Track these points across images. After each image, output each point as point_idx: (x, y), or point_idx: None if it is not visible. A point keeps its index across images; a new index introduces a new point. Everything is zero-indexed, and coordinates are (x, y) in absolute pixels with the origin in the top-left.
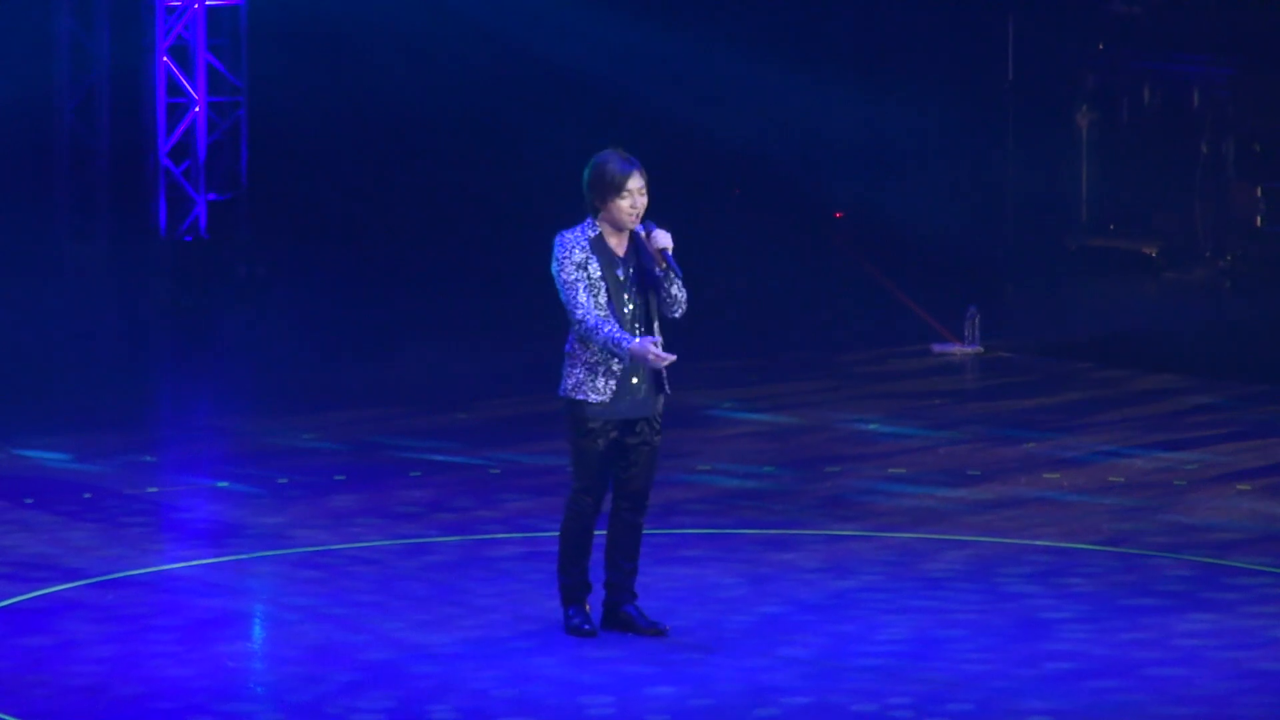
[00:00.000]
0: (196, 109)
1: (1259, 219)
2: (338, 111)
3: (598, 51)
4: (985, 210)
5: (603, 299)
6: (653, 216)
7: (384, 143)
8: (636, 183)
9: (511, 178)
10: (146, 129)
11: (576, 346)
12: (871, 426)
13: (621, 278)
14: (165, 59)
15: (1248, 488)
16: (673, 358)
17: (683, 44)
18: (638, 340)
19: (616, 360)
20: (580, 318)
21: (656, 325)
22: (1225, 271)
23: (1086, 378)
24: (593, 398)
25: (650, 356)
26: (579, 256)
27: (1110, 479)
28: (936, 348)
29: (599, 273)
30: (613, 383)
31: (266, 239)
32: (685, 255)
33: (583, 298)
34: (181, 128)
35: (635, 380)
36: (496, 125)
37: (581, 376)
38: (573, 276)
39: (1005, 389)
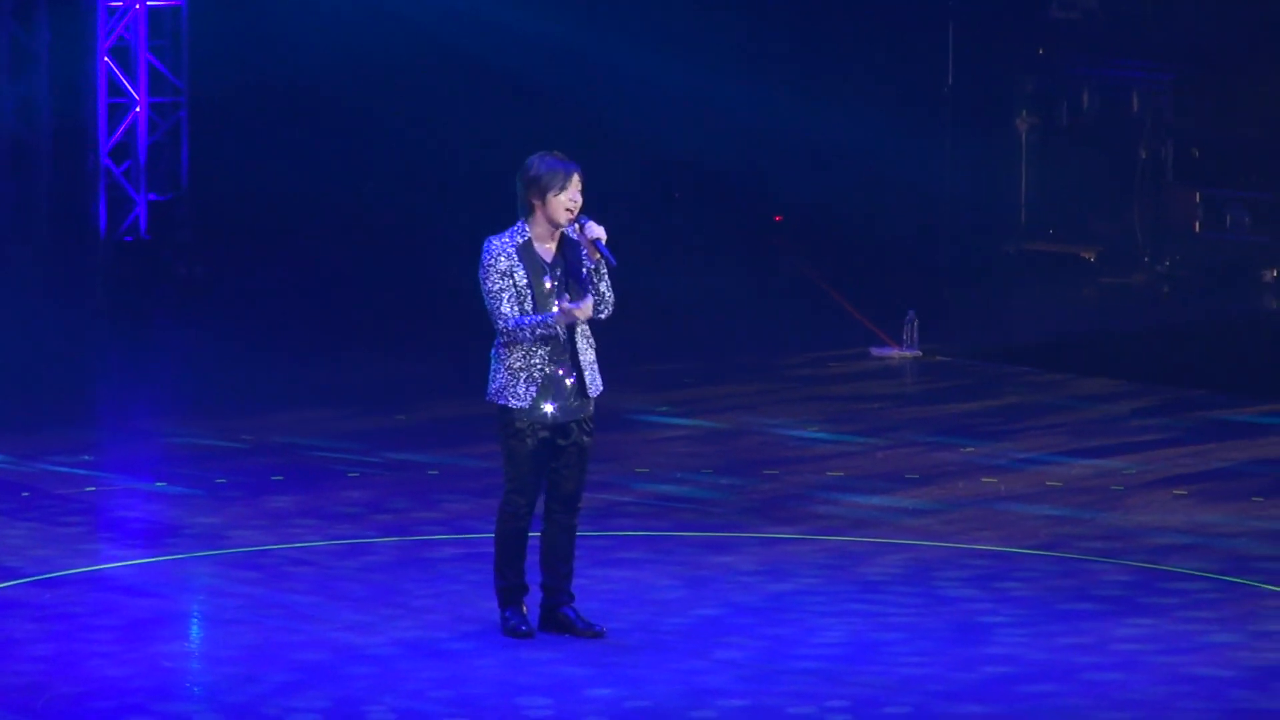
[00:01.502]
0: (137, 109)
1: (1197, 224)
2: (278, 113)
3: (539, 55)
4: (924, 214)
5: (528, 306)
6: (593, 219)
7: (325, 145)
8: (577, 182)
9: (453, 180)
10: (87, 129)
11: (501, 351)
12: (810, 430)
13: (549, 284)
14: (106, 59)
15: (1185, 493)
16: (587, 305)
17: (624, 48)
18: (557, 310)
19: (539, 367)
20: (503, 327)
21: (579, 331)
22: (1164, 276)
23: (1024, 382)
24: (513, 403)
25: (575, 313)
26: (504, 265)
27: (1048, 484)
28: (875, 351)
29: (525, 280)
30: (533, 389)
31: (207, 240)
32: (624, 259)
33: (506, 308)
34: (122, 128)
35: (557, 386)
36: (438, 127)
37: (504, 381)
38: (497, 286)
39: (943, 393)
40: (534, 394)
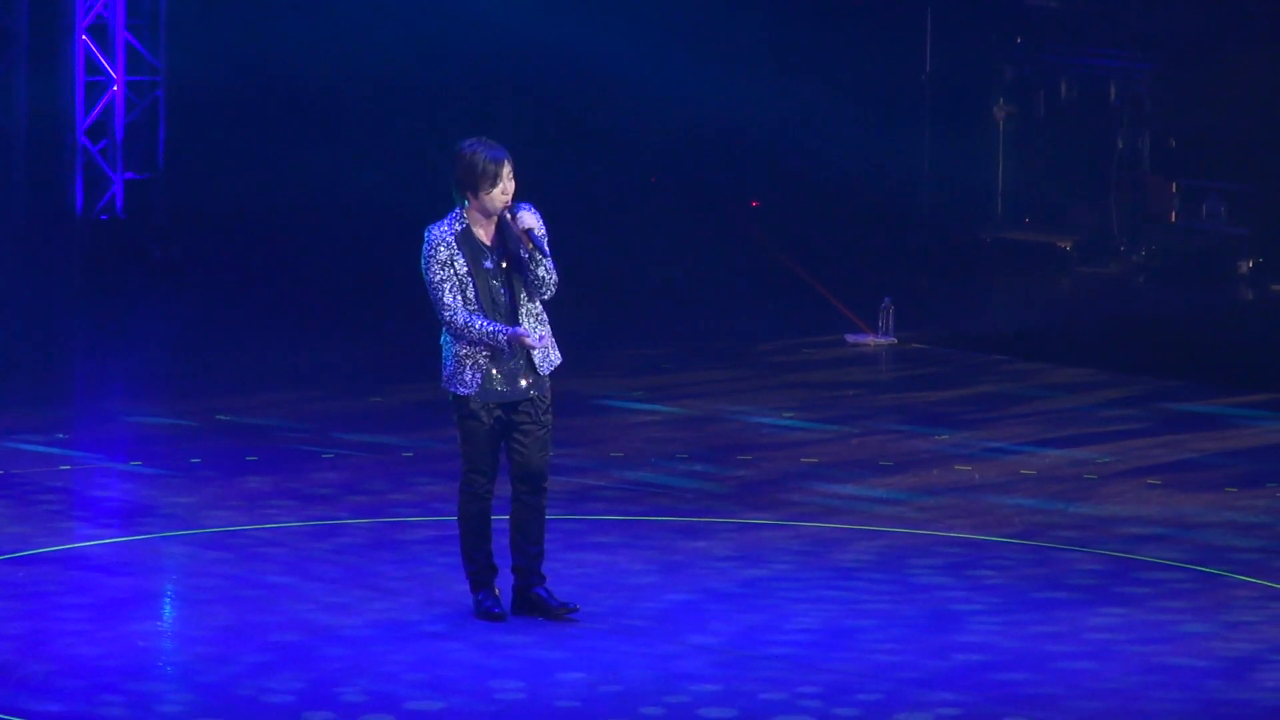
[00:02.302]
0: (115, 88)
1: (1174, 215)
2: (256, 93)
3: (521, 39)
4: (901, 201)
5: (470, 294)
6: (571, 206)
7: (302, 124)
8: (508, 169)
9: (432, 160)
10: (64, 107)
11: (448, 339)
12: (785, 417)
13: (490, 268)
14: (84, 38)
15: (1158, 483)
16: (540, 342)
17: (601, 36)
18: (512, 330)
19: (484, 353)
20: (449, 319)
21: (525, 310)
22: (1140, 266)
23: (1000, 370)
24: (460, 390)
25: (525, 343)
26: (444, 254)
27: (1022, 472)
28: (850, 338)
29: (465, 268)
30: (479, 375)
31: (183, 220)
32: (603, 244)
33: (448, 298)
34: (100, 107)
35: (502, 369)
36: (418, 107)
37: (452, 369)
38: (438, 277)
39: (919, 381)
40: (479, 380)
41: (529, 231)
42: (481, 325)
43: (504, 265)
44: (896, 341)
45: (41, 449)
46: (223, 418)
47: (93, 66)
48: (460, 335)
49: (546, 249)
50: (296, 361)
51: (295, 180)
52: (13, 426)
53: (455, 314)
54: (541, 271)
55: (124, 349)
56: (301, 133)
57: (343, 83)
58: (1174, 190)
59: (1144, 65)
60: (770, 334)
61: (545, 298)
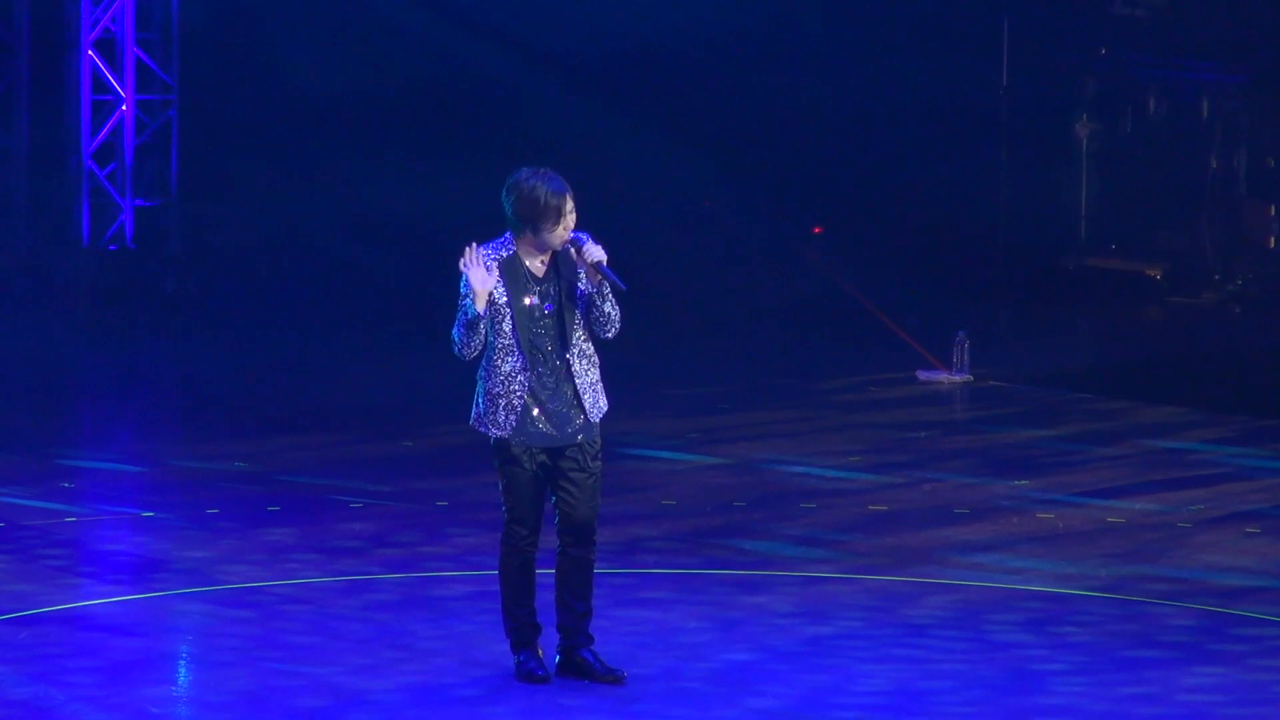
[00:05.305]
0: (124, 108)
1: (1272, 239)
2: (275, 113)
3: (557, 58)
4: (976, 227)
5: (507, 326)
6: (620, 232)
7: (324, 148)
8: (570, 203)
9: (453, 187)
10: (69, 129)
11: (483, 374)
12: (851, 461)
13: (528, 301)
14: (90, 53)
15: (1257, 530)
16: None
17: (653, 55)
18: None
19: (519, 393)
20: (452, 335)
21: (577, 350)
22: (1235, 296)
23: (1084, 410)
24: (494, 431)
25: (470, 258)
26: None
27: (1109, 520)
28: (922, 375)
29: (504, 297)
30: (513, 417)
31: (197, 249)
32: (651, 273)
33: (459, 316)
34: (107, 128)
35: (546, 410)
36: (437, 130)
37: (484, 408)
38: (466, 291)
39: (996, 421)
40: (514, 423)
41: (599, 264)
42: (459, 318)
43: (555, 300)
44: (972, 379)
45: (45, 499)
46: (241, 464)
47: (100, 84)
48: (457, 346)
49: (622, 284)
50: (321, 402)
51: (317, 208)
52: (15, 474)
53: (453, 332)
54: (608, 307)
55: (134, 389)
56: (324, 156)
57: (369, 101)
58: (1272, 213)
59: (1238, 78)
60: (835, 371)
61: (609, 335)
